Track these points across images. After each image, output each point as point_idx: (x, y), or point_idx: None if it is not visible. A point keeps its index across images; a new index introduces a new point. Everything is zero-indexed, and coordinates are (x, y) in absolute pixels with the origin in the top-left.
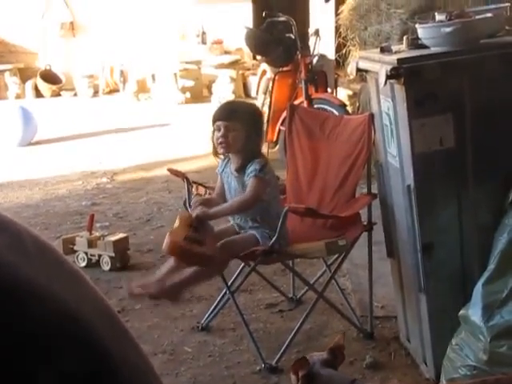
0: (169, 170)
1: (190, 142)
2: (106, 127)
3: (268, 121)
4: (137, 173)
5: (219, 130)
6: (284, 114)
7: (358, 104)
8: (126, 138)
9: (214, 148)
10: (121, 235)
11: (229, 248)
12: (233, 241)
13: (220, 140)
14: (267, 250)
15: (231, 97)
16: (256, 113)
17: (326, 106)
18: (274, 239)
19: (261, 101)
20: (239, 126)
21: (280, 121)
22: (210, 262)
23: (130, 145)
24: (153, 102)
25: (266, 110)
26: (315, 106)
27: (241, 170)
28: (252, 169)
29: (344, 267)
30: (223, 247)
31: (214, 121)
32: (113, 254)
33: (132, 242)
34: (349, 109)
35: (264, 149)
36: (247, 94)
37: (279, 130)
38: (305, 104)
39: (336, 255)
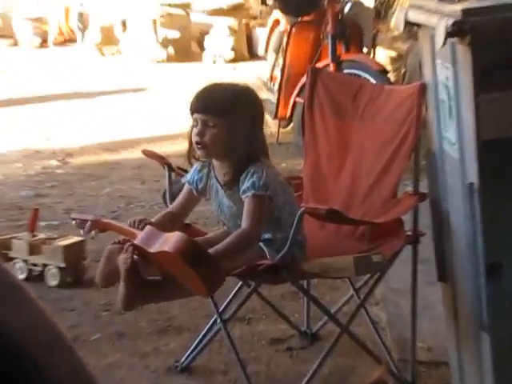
0: (144, 152)
1: (172, 114)
2: (56, 90)
3: (280, 90)
4: (99, 154)
5: (196, 125)
6: (302, 81)
7: (403, 70)
8: (84, 106)
9: (190, 148)
10: (75, 239)
11: (221, 260)
12: (226, 250)
13: (196, 139)
14: (274, 264)
15: (230, 54)
16: (249, 99)
17: (359, 72)
18: (284, 251)
19: (270, 62)
20: (221, 120)
21: (296, 90)
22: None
23: (91, 116)
24: (123, 59)
25: (277, 74)
26: (345, 70)
27: (232, 184)
28: (247, 184)
29: (378, 292)
30: (213, 259)
31: (191, 111)
32: (63, 265)
33: (90, 248)
34: (391, 76)
35: (273, 128)
36: (252, 51)
37: (295, 102)
38: (331, 68)
39: (367, 276)
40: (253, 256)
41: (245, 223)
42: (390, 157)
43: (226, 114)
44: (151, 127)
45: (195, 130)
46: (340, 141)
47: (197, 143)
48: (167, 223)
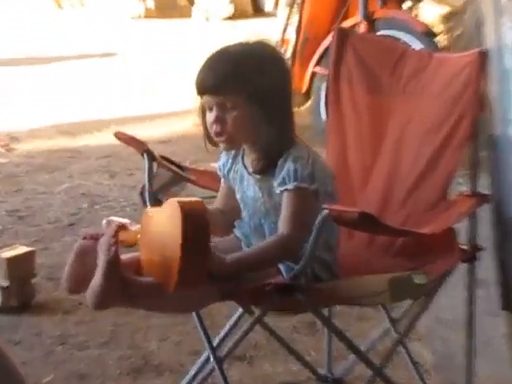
0: (117, 135)
1: (151, 87)
2: None
3: (294, 57)
4: (54, 139)
5: (210, 109)
6: (324, 46)
7: (458, 32)
8: (35, 75)
9: (208, 136)
10: (22, 250)
11: (242, 271)
12: (255, 259)
13: (215, 129)
14: (286, 284)
15: (228, 11)
16: (273, 62)
17: (399, 34)
18: (299, 266)
19: (282, 19)
20: (241, 98)
21: (316, 57)
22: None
23: (44, 89)
24: (86, 13)
25: (290, 36)
26: (380, 32)
27: (265, 170)
28: (287, 173)
29: (421, 324)
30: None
31: (199, 92)
32: (6, 283)
33: (41, 261)
34: (440, 40)
35: None
36: (257, 6)
37: (313, 73)
38: (362, 28)
39: (408, 302)
40: (263, 277)
41: (284, 227)
42: (440, 146)
43: (247, 87)
44: (123, 105)
45: (211, 117)
46: (374, 124)
47: (217, 134)
48: (219, 217)
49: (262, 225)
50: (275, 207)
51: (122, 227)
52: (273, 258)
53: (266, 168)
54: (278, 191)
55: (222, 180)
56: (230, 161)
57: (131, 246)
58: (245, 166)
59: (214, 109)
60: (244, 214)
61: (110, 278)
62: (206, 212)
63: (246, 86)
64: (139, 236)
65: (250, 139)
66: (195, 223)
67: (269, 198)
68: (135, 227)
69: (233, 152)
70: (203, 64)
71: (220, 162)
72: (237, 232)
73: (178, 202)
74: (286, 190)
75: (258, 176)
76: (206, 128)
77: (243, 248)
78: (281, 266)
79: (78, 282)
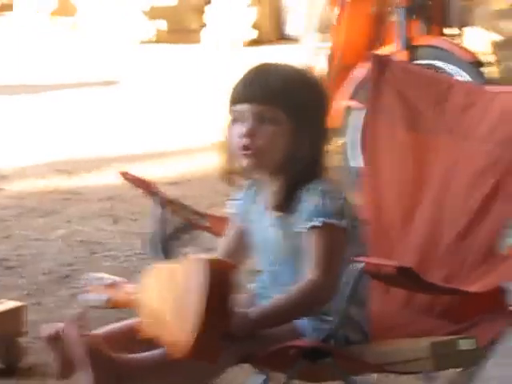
0: (123, 175)
1: (159, 120)
2: None
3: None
4: (48, 178)
5: (243, 120)
6: (359, 77)
7: None
8: (28, 105)
9: (230, 158)
10: (8, 305)
11: (266, 324)
12: (281, 310)
13: (245, 142)
14: (315, 346)
15: (249, 34)
16: (318, 89)
17: (442, 64)
18: (334, 325)
19: (311, 46)
20: (284, 113)
21: (350, 89)
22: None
23: (38, 121)
24: (86, 35)
25: (320, 65)
26: (421, 61)
27: (286, 204)
28: (312, 207)
29: None
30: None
31: (234, 101)
32: None
33: (33, 318)
34: (491, 71)
35: None
36: (281, 30)
37: (347, 107)
38: (401, 57)
39: (452, 371)
40: (281, 332)
41: (313, 271)
42: (491, 192)
43: (292, 104)
44: (127, 140)
45: (241, 129)
46: (415, 166)
47: (245, 148)
48: None
49: (282, 273)
50: (295, 251)
51: (112, 286)
52: (302, 309)
53: (287, 202)
54: (301, 229)
55: (233, 221)
56: (247, 200)
57: (121, 307)
58: (263, 206)
59: (250, 120)
60: (260, 261)
61: (98, 367)
62: (234, 272)
63: (291, 102)
64: (139, 294)
65: (278, 161)
66: (222, 284)
67: (288, 240)
68: (128, 286)
69: (251, 188)
70: (246, 75)
71: (237, 201)
72: (252, 286)
73: (205, 259)
74: (313, 227)
75: (278, 213)
76: (228, 145)
77: (260, 300)
78: (302, 325)
79: (68, 366)
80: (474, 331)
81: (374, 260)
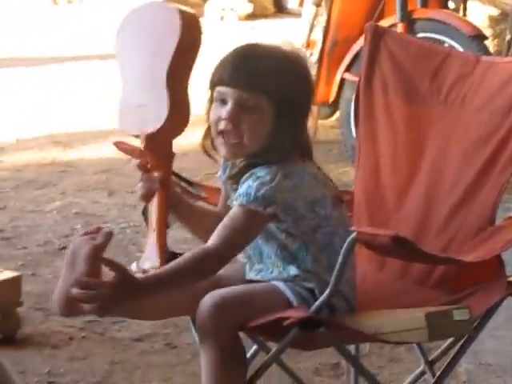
0: (117, 144)
1: None
2: None
3: (321, 61)
4: (45, 151)
5: (224, 102)
6: (355, 49)
7: (510, 36)
8: (25, 78)
9: (208, 133)
10: (5, 275)
11: (160, 288)
12: (172, 274)
13: (224, 125)
14: (308, 317)
15: (247, 8)
16: (304, 73)
17: (442, 37)
18: (323, 296)
19: (307, 19)
20: (268, 101)
21: (346, 62)
22: None
23: (34, 94)
24: (85, 9)
25: (317, 38)
26: (420, 34)
27: (237, 179)
28: (242, 189)
29: (461, 368)
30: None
31: (216, 83)
32: None
33: (28, 289)
34: (490, 45)
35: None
36: (279, 3)
37: (343, 80)
38: (400, 28)
39: (446, 342)
40: (271, 303)
41: (213, 238)
42: (485, 164)
43: (278, 92)
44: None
45: (222, 112)
46: (411, 138)
47: (225, 133)
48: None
49: (258, 245)
50: None
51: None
52: (187, 271)
53: (239, 177)
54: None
55: (222, 186)
56: (224, 170)
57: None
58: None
59: (230, 104)
60: None
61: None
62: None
63: (277, 90)
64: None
65: (255, 149)
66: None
67: None
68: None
69: (224, 161)
70: (230, 55)
71: (220, 171)
72: (240, 257)
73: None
74: (236, 204)
75: (231, 183)
76: (209, 124)
77: (247, 272)
78: (290, 295)
79: (70, 303)
80: (469, 302)
81: (367, 229)
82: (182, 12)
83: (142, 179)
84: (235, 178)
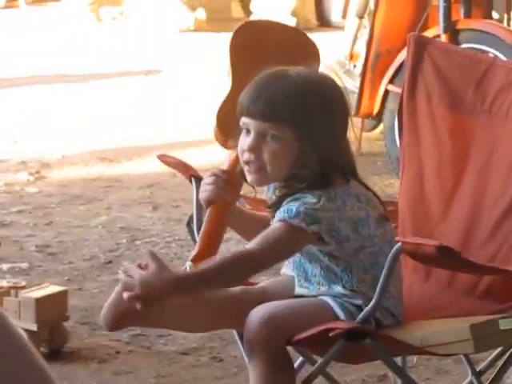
0: (161, 158)
1: (200, 108)
2: (29, 71)
3: (364, 73)
4: (90, 166)
5: (248, 132)
6: (398, 61)
7: None
8: (70, 95)
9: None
10: (52, 289)
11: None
12: (211, 273)
13: (247, 157)
14: (354, 328)
15: (288, 20)
16: (330, 97)
17: (485, 48)
18: (368, 308)
19: (351, 32)
20: (288, 130)
21: (390, 74)
22: None
23: (79, 110)
24: (129, 25)
25: (360, 50)
26: (464, 45)
27: (277, 206)
28: (283, 207)
29: (511, 379)
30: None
31: (241, 113)
32: (34, 327)
33: (74, 303)
34: None
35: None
36: (322, 16)
37: (386, 92)
38: (443, 39)
39: (494, 352)
40: (319, 317)
41: (253, 243)
42: None
43: (299, 120)
44: (170, 128)
45: (245, 143)
46: (455, 147)
47: (248, 163)
48: None
49: (302, 263)
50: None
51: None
52: (226, 271)
53: (278, 203)
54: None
55: None
56: (270, 189)
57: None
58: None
59: (252, 135)
60: None
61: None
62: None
63: (299, 120)
64: None
65: (282, 177)
66: None
67: None
68: None
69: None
70: (255, 82)
71: (268, 191)
72: (286, 270)
73: None
74: (277, 220)
75: (271, 213)
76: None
77: (296, 287)
78: (338, 310)
79: (118, 317)
80: None
81: (412, 239)
82: None
83: (216, 184)
84: (274, 207)
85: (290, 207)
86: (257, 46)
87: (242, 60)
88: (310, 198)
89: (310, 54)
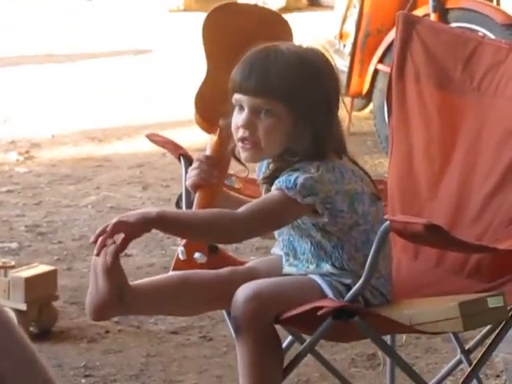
0: (150, 137)
1: (189, 88)
2: (17, 51)
3: (354, 53)
4: (80, 146)
5: (242, 108)
6: (388, 40)
7: None
8: (59, 74)
9: (229, 139)
10: (41, 269)
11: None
12: (194, 220)
13: (241, 134)
14: (342, 306)
15: (279, 1)
16: (323, 71)
17: (475, 27)
18: (356, 286)
19: (340, 12)
20: (282, 106)
21: (379, 53)
22: None
23: (69, 90)
24: (118, 5)
25: (349, 30)
26: (453, 24)
27: (272, 179)
28: (282, 177)
29: (499, 357)
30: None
31: (233, 89)
32: (23, 307)
33: (63, 283)
34: None
35: (342, 110)
36: None
37: (376, 71)
38: (432, 18)
39: (483, 331)
40: (307, 295)
41: (243, 208)
42: None
43: (292, 95)
44: (158, 108)
45: (239, 119)
46: (444, 126)
47: (242, 139)
48: None
49: (291, 241)
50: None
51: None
52: (207, 225)
53: (274, 177)
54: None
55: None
56: (262, 165)
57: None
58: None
59: (246, 111)
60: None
61: (113, 275)
62: None
63: (292, 95)
64: None
65: (277, 153)
66: None
67: None
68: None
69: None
70: (246, 59)
71: (258, 170)
72: (276, 250)
73: None
74: (274, 188)
75: (264, 185)
76: (230, 130)
77: (284, 265)
78: (326, 288)
79: (99, 309)
80: (504, 289)
81: (400, 218)
82: None
83: (201, 168)
84: (269, 179)
85: (288, 177)
86: (229, 29)
87: (215, 43)
88: (309, 169)
89: (283, 33)
